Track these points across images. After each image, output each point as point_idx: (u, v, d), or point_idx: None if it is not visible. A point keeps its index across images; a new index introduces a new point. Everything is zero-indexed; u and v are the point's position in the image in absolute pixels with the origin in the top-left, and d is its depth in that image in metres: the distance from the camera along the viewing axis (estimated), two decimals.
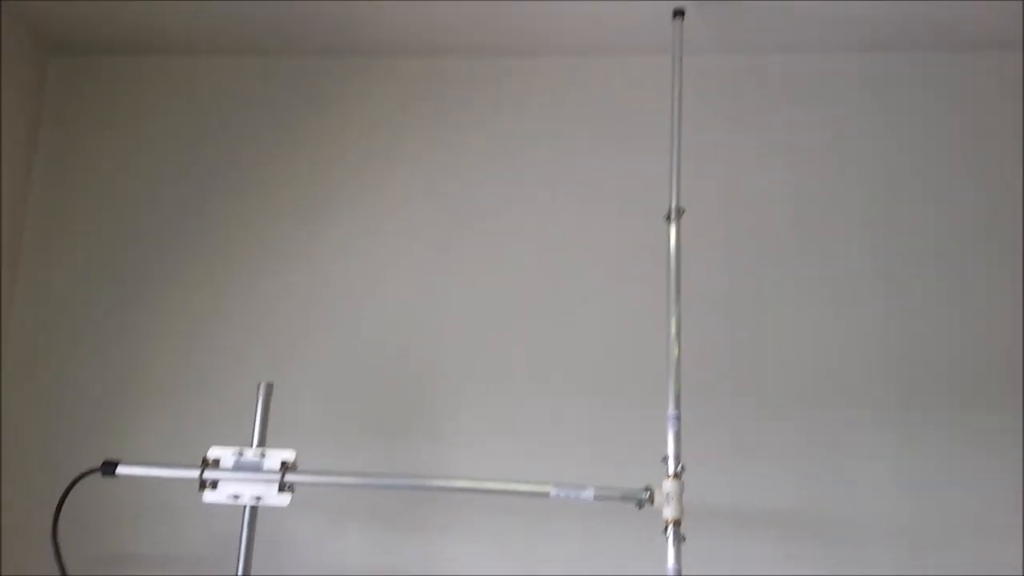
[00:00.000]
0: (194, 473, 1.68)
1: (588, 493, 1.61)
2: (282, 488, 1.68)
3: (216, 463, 1.70)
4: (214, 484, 1.69)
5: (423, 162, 2.24)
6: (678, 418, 1.60)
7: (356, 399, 2.10)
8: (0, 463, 2.11)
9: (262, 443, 1.74)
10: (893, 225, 2.10)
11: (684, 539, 1.55)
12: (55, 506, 1.69)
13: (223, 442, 1.74)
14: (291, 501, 1.68)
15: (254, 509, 1.72)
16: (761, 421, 2.02)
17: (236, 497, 1.69)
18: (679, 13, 1.94)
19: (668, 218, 1.69)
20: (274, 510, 1.74)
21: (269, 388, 1.77)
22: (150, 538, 2.06)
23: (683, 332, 1.65)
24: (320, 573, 2.01)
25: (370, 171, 2.24)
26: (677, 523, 1.55)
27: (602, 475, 1.67)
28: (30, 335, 2.20)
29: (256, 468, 1.69)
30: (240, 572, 1.70)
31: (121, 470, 1.69)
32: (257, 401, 1.76)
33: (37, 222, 2.28)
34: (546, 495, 1.62)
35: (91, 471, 1.70)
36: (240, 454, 1.70)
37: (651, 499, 1.58)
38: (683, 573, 1.52)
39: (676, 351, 1.64)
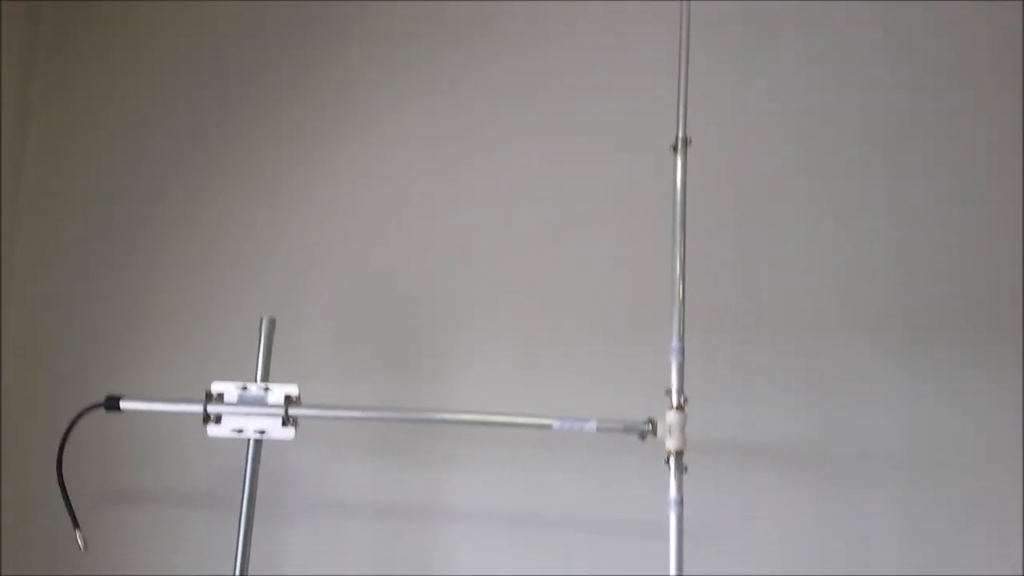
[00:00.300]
0: (198, 407, 1.68)
1: (591, 425, 1.62)
2: (286, 422, 1.69)
3: (220, 397, 1.70)
4: (218, 418, 1.69)
5: (427, 94, 2.20)
6: (681, 350, 1.59)
7: (359, 333, 2.10)
8: (0, 401, 2.12)
9: (265, 378, 1.74)
10: (900, 155, 2.09)
11: (686, 470, 1.56)
12: (59, 442, 1.70)
13: (227, 378, 1.73)
14: (295, 435, 1.69)
15: (258, 443, 1.72)
16: (765, 353, 2.03)
17: (240, 431, 1.69)
18: None
19: (674, 148, 1.66)
20: (278, 445, 1.75)
21: (272, 322, 1.77)
22: (155, 474, 2.08)
23: (688, 264, 1.63)
24: (325, 506, 2.04)
25: (374, 103, 2.20)
26: (679, 454, 1.56)
27: (606, 408, 1.67)
28: (31, 272, 2.18)
29: (260, 402, 1.69)
30: (245, 506, 1.72)
31: (124, 405, 1.69)
32: (260, 335, 1.75)
33: (37, 157, 2.23)
34: (549, 427, 1.63)
35: (94, 406, 1.69)
36: (244, 388, 1.71)
37: (654, 431, 1.59)
38: (685, 504, 1.54)
39: (680, 283, 1.63)
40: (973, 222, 2.05)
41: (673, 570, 1.52)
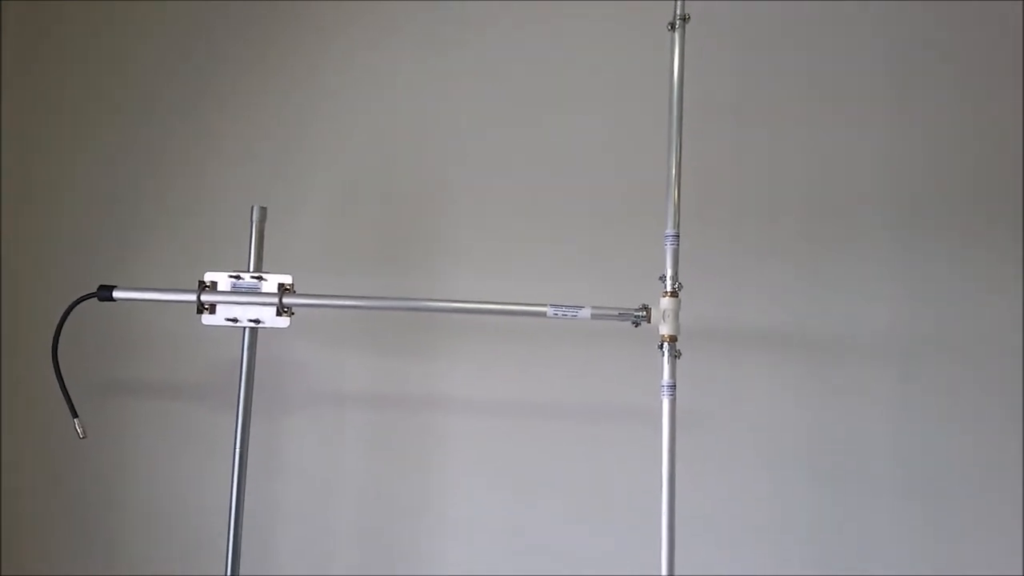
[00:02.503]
0: (191, 296, 1.67)
1: (585, 311, 1.62)
2: (281, 311, 1.68)
3: (213, 286, 1.70)
4: (212, 308, 1.69)
5: None
6: (677, 236, 1.58)
7: (350, 227, 2.09)
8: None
9: (258, 268, 1.73)
10: (901, 40, 2.04)
11: (679, 355, 1.57)
12: (54, 332, 1.70)
13: (218, 270, 1.72)
14: (290, 326, 1.69)
15: (254, 333, 1.73)
16: (761, 243, 2.03)
17: (235, 320, 1.70)
18: None
19: (671, 26, 1.61)
20: (274, 337, 1.75)
21: (263, 212, 1.74)
22: (153, 366, 2.09)
23: (684, 150, 1.61)
24: (321, 396, 2.06)
25: None
26: (673, 339, 1.57)
27: (600, 298, 1.66)
28: (25, 165, 2.14)
29: (254, 291, 1.69)
30: (242, 394, 1.73)
31: (117, 294, 1.68)
32: (251, 225, 1.73)
33: (26, 46, 2.16)
34: (543, 314, 1.63)
35: (88, 296, 1.69)
36: (237, 278, 1.70)
37: (648, 317, 1.60)
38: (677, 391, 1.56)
39: (676, 169, 1.60)
40: (972, 105, 2.03)
41: (666, 453, 1.54)
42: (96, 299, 1.69)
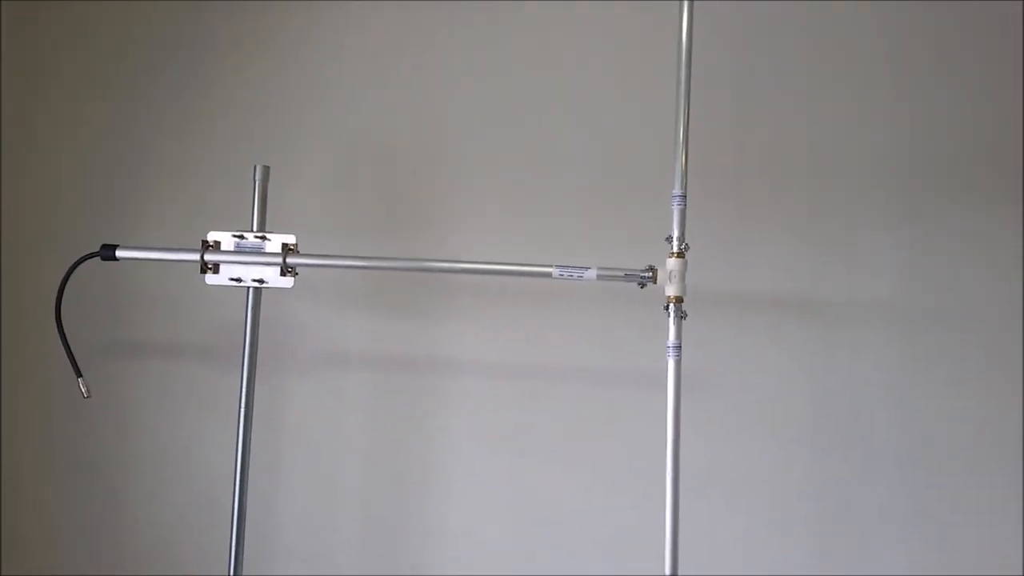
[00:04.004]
0: (195, 256, 1.67)
1: (591, 272, 1.61)
2: (284, 271, 1.68)
3: (217, 246, 1.69)
4: (215, 268, 1.69)
5: None
6: (684, 197, 1.57)
7: (354, 188, 2.07)
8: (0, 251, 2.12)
9: (262, 227, 1.73)
10: (911, 13, 2.02)
11: (685, 317, 1.57)
12: (57, 291, 1.69)
13: (221, 230, 1.71)
14: (293, 287, 1.68)
15: (257, 293, 1.72)
16: (767, 206, 2.02)
17: (238, 280, 1.69)
18: None
19: None
20: (278, 298, 1.75)
21: (265, 171, 1.73)
22: (156, 326, 2.08)
23: (691, 112, 1.59)
24: (325, 358, 2.06)
25: None
26: (679, 300, 1.57)
27: (606, 260, 1.66)
28: (27, 124, 2.11)
29: (257, 251, 1.69)
30: (246, 354, 1.73)
31: (121, 253, 1.67)
32: (254, 184, 1.73)
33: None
34: (549, 275, 1.62)
35: (91, 255, 1.68)
36: (241, 238, 1.69)
37: (654, 278, 1.59)
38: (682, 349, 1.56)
39: (684, 129, 1.59)
40: (975, 68, 2.02)
41: (671, 414, 1.55)
42: (99, 258, 1.68)
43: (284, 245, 1.68)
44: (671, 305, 1.57)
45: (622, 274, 1.60)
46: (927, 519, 1.98)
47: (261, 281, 1.69)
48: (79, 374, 1.70)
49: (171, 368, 2.07)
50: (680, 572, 1.53)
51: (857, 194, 2.01)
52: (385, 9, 2.09)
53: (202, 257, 1.67)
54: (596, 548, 2.00)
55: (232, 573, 1.71)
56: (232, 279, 1.69)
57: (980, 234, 1.99)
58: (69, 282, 1.69)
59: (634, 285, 1.61)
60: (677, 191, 1.58)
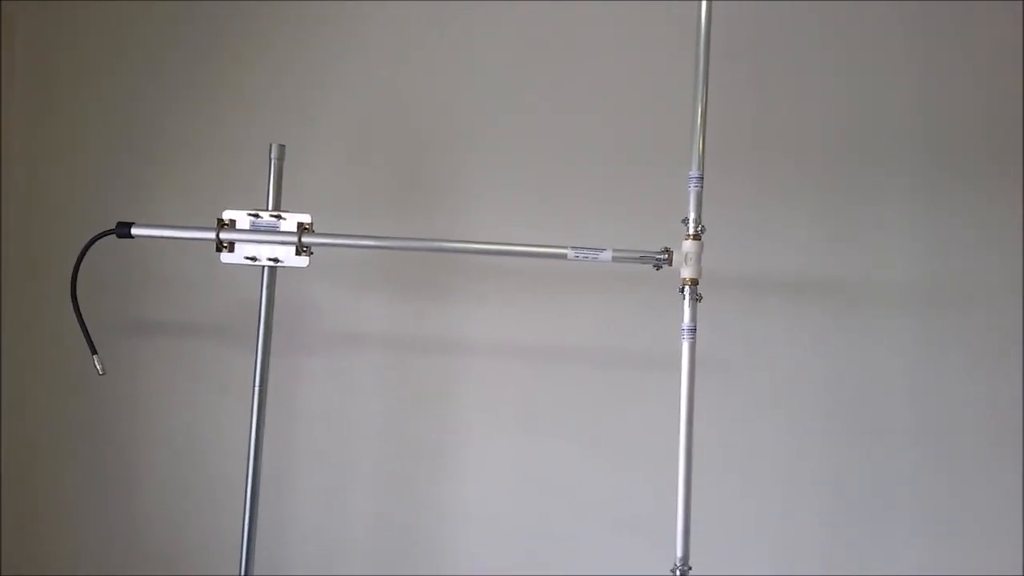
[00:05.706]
0: (210, 234, 1.67)
1: (606, 254, 1.61)
2: (299, 251, 1.68)
3: (232, 224, 1.69)
4: (230, 246, 1.69)
5: None
6: (701, 178, 1.56)
7: (370, 167, 2.07)
8: (10, 228, 2.11)
9: (277, 206, 1.72)
10: None
11: (700, 299, 1.57)
12: (72, 269, 1.69)
13: (237, 207, 1.70)
14: (308, 267, 1.68)
15: (272, 272, 1.72)
16: (784, 188, 2.01)
17: (253, 259, 1.69)
18: None
19: None
20: (293, 277, 1.75)
21: (281, 149, 1.73)
22: (169, 305, 2.09)
23: (708, 93, 1.58)
24: (340, 337, 2.07)
25: None
26: (695, 282, 1.57)
27: (622, 242, 1.65)
28: (41, 100, 2.12)
29: (273, 230, 1.68)
30: (261, 333, 1.73)
31: (136, 231, 1.67)
32: (270, 163, 1.72)
33: None
34: (564, 256, 1.62)
35: (106, 232, 1.68)
36: (256, 216, 1.69)
37: (669, 260, 1.59)
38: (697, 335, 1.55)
39: (702, 110, 1.58)
40: (999, 52, 1.99)
41: (684, 395, 1.55)
42: (115, 236, 1.68)
43: (299, 224, 1.68)
44: (686, 287, 1.56)
45: (637, 256, 1.59)
46: (941, 505, 1.97)
47: (276, 260, 1.69)
48: (94, 351, 1.70)
49: (186, 347, 2.08)
50: (691, 554, 1.54)
51: (875, 178, 2.00)
52: None
53: (217, 235, 1.66)
54: (608, 530, 2.01)
55: (245, 551, 1.72)
56: (247, 258, 1.68)
57: (999, 220, 1.98)
58: (84, 260, 1.70)
59: (649, 267, 1.61)
60: (694, 172, 1.57)
